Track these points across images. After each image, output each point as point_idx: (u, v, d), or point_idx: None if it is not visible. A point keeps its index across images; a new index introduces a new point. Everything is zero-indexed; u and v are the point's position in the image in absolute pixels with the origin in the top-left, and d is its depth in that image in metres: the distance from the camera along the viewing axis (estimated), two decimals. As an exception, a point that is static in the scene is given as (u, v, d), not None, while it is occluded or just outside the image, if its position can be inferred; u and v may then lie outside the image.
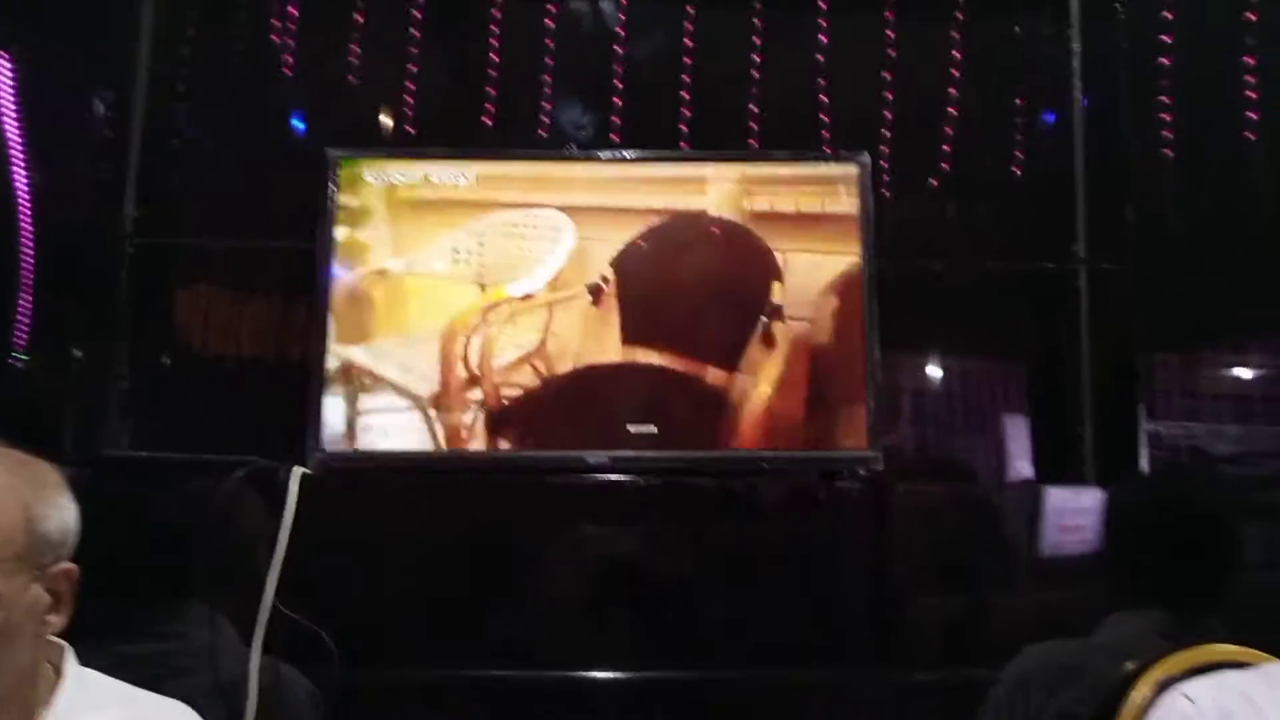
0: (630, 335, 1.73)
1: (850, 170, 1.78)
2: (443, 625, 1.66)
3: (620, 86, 1.90)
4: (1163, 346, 1.84)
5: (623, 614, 1.67)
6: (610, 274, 1.77)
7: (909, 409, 1.76)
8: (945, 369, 1.84)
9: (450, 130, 1.87)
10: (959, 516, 1.77)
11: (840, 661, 1.67)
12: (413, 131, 1.84)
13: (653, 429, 1.70)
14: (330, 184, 1.73)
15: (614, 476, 1.72)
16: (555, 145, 1.88)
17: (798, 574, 1.72)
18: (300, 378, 1.67)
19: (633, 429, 1.69)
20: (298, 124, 1.86)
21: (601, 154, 1.81)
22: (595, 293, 1.74)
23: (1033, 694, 1.57)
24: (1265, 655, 1.35)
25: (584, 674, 1.65)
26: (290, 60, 1.85)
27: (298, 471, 1.60)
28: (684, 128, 1.88)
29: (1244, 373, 1.80)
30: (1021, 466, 1.75)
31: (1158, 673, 1.39)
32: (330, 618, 1.56)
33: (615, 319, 1.75)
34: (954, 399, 1.82)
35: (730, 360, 1.72)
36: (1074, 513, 1.70)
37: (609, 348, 1.73)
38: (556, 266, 1.78)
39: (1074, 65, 1.92)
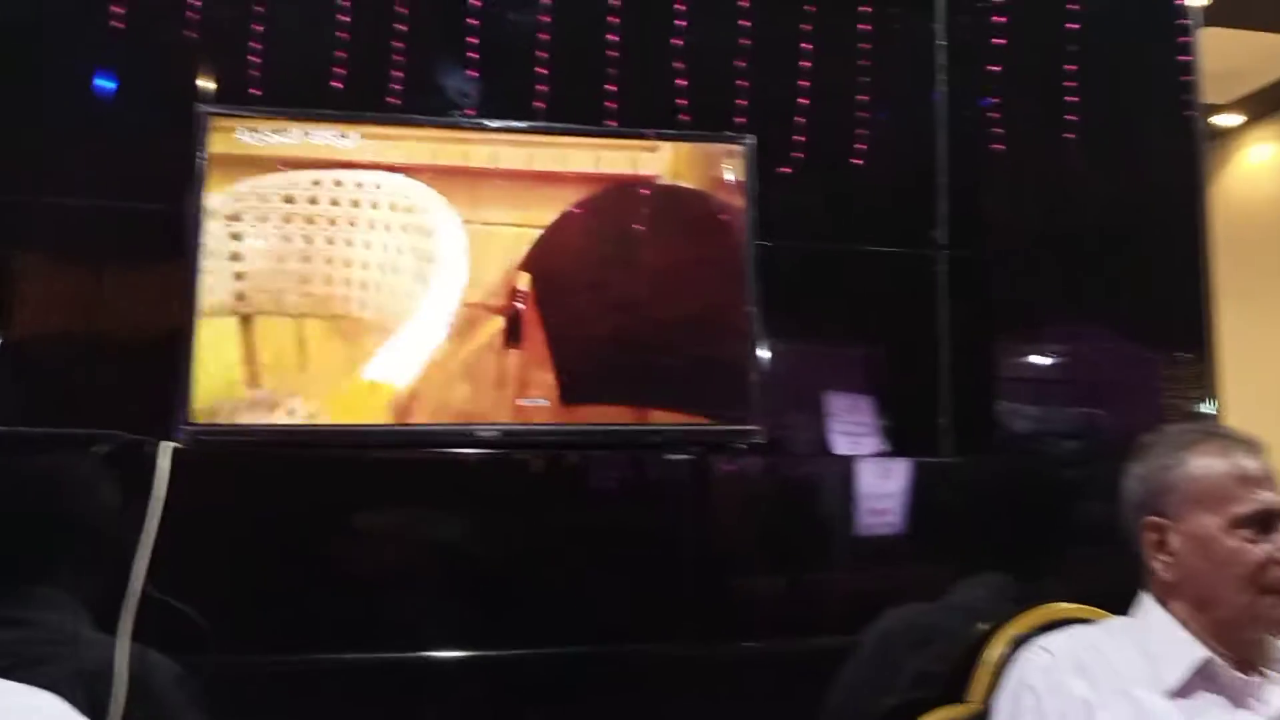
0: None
1: (735, 150, 1.82)
2: (303, 608, 1.61)
3: (544, 57, 1.86)
4: (1033, 344, 1.98)
5: (480, 593, 1.67)
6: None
7: (775, 386, 1.83)
8: (812, 347, 1.91)
9: (309, 89, 1.77)
10: (808, 491, 1.84)
11: (682, 635, 1.72)
12: (258, 93, 1.73)
13: (544, 402, 1.69)
14: (200, 143, 1.63)
15: (502, 451, 1.71)
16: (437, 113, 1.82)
17: (654, 549, 1.75)
18: (171, 348, 1.58)
19: (523, 403, 1.69)
20: (109, 83, 1.73)
21: (492, 123, 1.74)
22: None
23: (894, 653, 1.68)
24: (1102, 612, 1.49)
25: (433, 654, 1.63)
26: (121, 13, 1.73)
27: (166, 447, 1.52)
28: (611, 104, 1.86)
29: (1042, 359, 1.96)
30: (876, 444, 1.84)
31: (1011, 631, 1.52)
32: (195, 601, 1.51)
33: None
34: (815, 377, 1.90)
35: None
36: (908, 487, 1.81)
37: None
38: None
39: (938, 59, 2.01)
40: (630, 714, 1.69)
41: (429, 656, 1.64)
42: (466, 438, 1.69)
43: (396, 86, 1.81)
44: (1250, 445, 1.34)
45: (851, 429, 1.84)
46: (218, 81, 1.77)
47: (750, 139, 1.83)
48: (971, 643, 1.58)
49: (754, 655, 1.73)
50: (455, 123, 1.79)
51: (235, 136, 1.66)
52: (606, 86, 1.87)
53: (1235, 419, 1.69)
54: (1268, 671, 1.29)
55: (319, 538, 1.66)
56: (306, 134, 1.68)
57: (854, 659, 1.70)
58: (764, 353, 1.79)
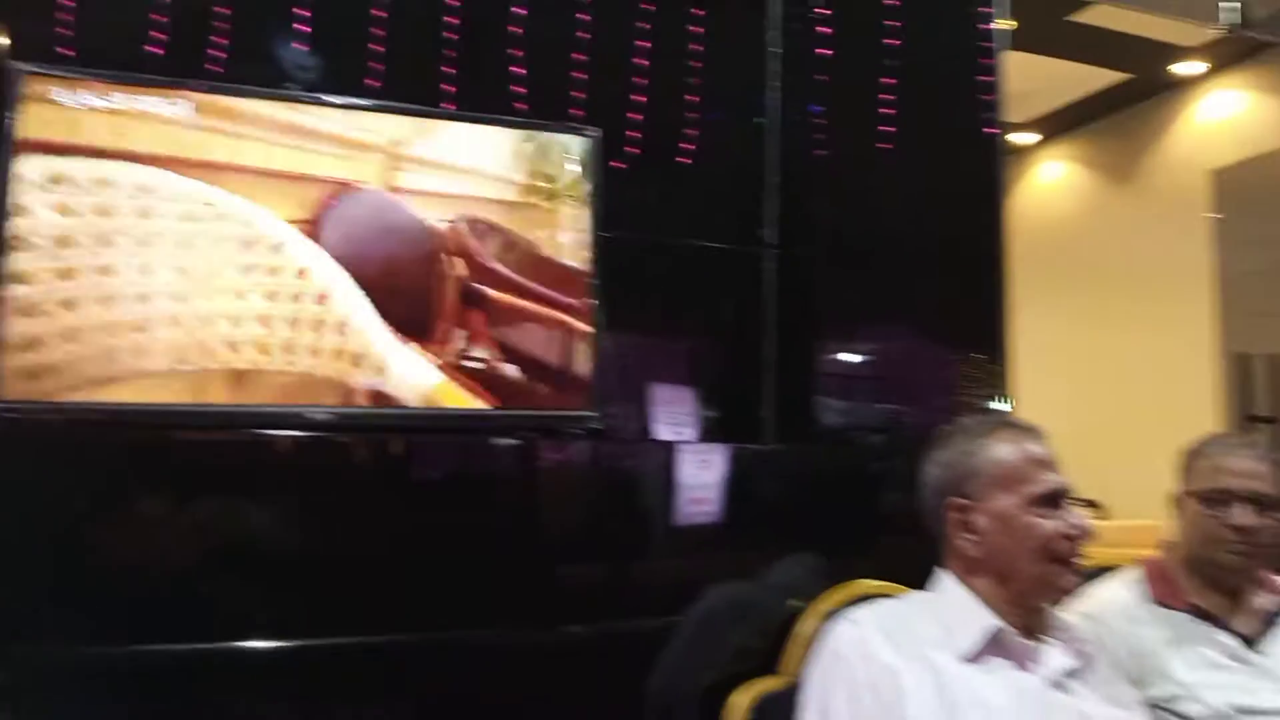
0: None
1: (580, 142, 1.85)
2: (103, 599, 1.54)
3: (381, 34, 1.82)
4: (853, 340, 2.10)
5: (296, 581, 1.63)
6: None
7: (609, 373, 1.87)
8: (645, 337, 1.96)
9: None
10: (634, 477, 1.90)
11: (507, 620, 1.74)
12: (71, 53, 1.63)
13: (378, 384, 1.68)
14: (11, 104, 1.52)
15: (326, 435, 1.68)
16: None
17: (479, 535, 1.76)
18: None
19: (353, 384, 1.66)
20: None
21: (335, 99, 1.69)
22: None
23: (714, 630, 1.76)
24: (903, 588, 1.60)
25: (245, 644, 1.60)
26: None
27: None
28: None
29: (855, 356, 2.09)
30: (702, 432, 1.91)
31: (822, 606, 1.62)
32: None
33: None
34: (648, 366, 1.95)
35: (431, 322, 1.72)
36: (731, 473, 1.90)
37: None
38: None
39: (769, 65, 2.10)
40: (452, 702, 1.70)
41: (240, 647, 1.60)
42: (296, 420, 1.65)
43: (221, 55, 1.74)
44: (1036, 433, 1.49)
45: (679, 417, 1.91)
46: (22, 40, 1.66)
47: (595, 130, 1.87)
48: (787, 619, 1.67)
49: (578, 640, 1.77)
50: (290, 95, 1.74)
51: (52, 98, 1.57)
52: (444, 69, 1.87)
53: (1026, 415, 1.84)
54: (1046, 638, 1.43)
55: (121, 523, 1.59)
56: (130, 99, 1.60)
57: (676, 637, 1.77)
58: (599, 341, 1.84)
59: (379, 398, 1.67)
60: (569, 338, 1.78)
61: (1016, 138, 5.61)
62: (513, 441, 1.76)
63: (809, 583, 1.76)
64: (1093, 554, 1.95)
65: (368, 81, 1.80)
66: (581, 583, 1.82)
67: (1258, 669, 1.71)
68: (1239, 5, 2.64)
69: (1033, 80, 4.96)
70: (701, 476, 1.87)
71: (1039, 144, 5.70)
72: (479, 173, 1.80)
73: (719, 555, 1.88)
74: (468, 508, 1.77)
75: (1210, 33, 3.45)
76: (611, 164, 1.94)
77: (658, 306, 1.96)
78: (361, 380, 1.65)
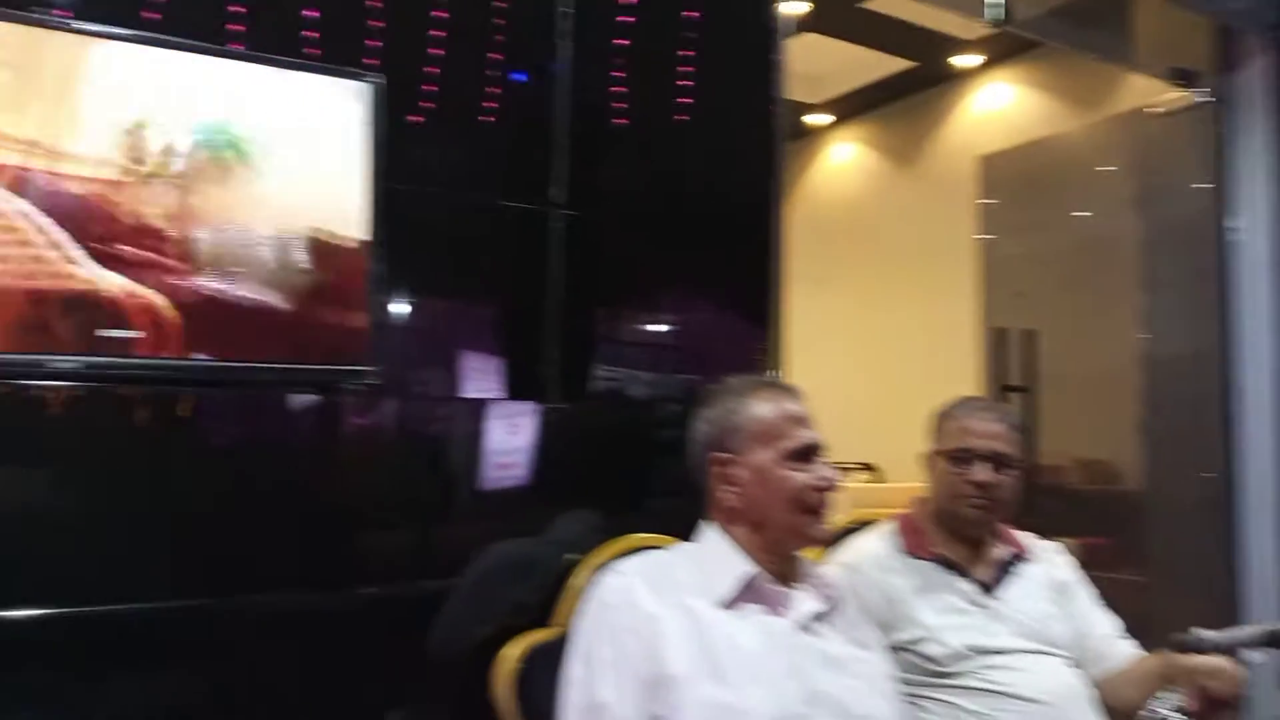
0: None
1: (361, 89, 1.79)
2: None
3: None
4: (635, 302, 2.14)
5: (62, 546, 1.53)
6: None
7: (395, 329, 1.84)
8: (435, 294, 1.93)
9: None
10: (419, 435, 1.89)
11: (294, 584, 1.71)
12: None
13: (137, 334, 1.57)
14: None
15: (86, 386, 1.57)
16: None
17: (263, 495, 1.71)
18: None
19: (106, 334, 1.55)
20: None
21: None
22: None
23: (492, 586, 1.78)
24: (674, 539, 1.67)
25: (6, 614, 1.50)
26: None
27: None
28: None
29: (638, 320, 2.15)
30: (489, 389, 1.91)
31: (594, 560, 1.67)
32: None
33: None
34: (435, 321, 1.93)
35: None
36: (517, 431, 1.92)
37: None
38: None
39: (562, 26, 2.10)
40: (240, 668, 1.64)
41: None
42: (36, 369, 1.53)
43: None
44: (794, 392, 1.58)
45: (465, 374, 1.90)
46: None
47: (377, 78, 1.82)
48: (563, 572, 1.71)
49: (372, 601, 1.74)
50: (41, 20, 1.60)
51: None
52: (231, 9, 1.77)
53: (806, 384, 1.90)
54: (798, 585, 1.53)
55: None
56: None
57: (455, 593, 1.77)
58: (385, 295, 1.80)
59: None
60: (344, 290, 1.74)
61: (812, 119, 5.83)
62: (288, 396, 1.71)
63: (587, 538, 1.80)
64: (868, 513, 2.09)
65: (145, 14, 1.69)
66: (359, 545, 1.79)
67: (993, 613, 1.88)
68: (1003, 2, 2.85)
69: (828, 63, 5.17)
70: (488, 433, 1.88)
71: (833, 125, 5.94)
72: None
73: (504, 512, 1.89)
74: (252, 467, 1.70)
75: (985, 28, 3.70)
76: (409, 118, 1.90)
77: (444, 262, 1.94)
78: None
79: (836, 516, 1.57)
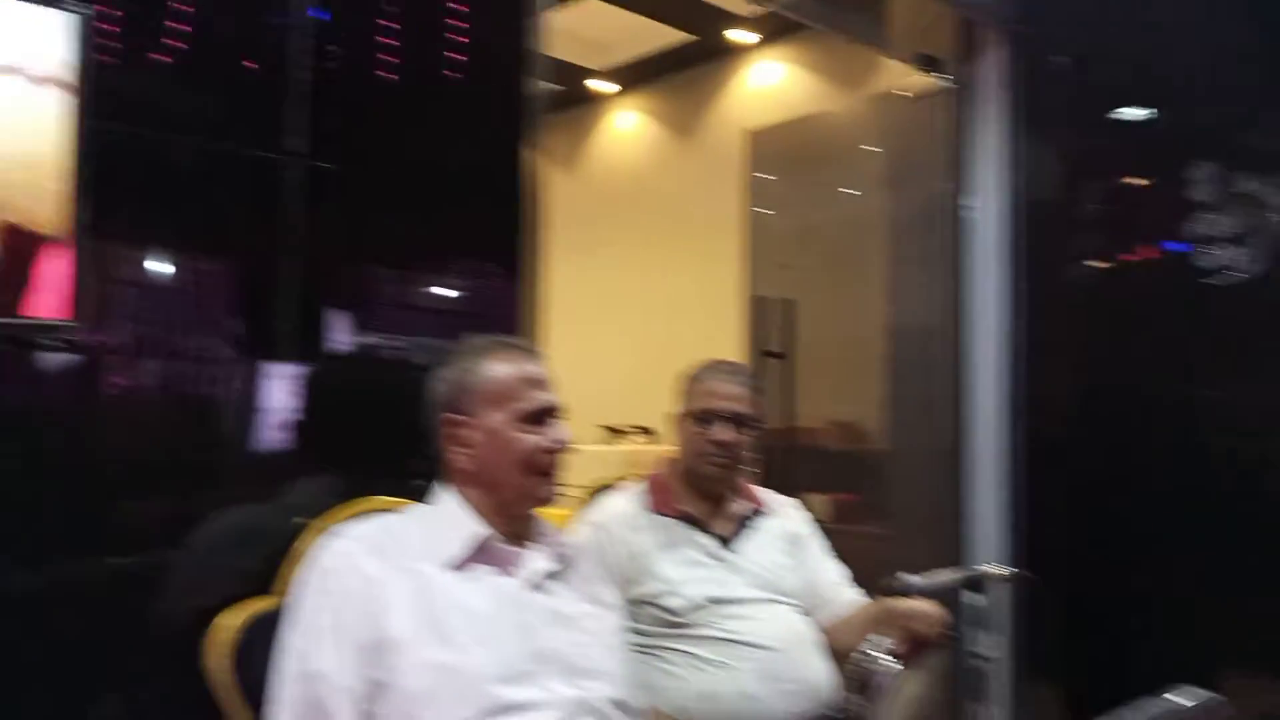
0: None
1: (66, 19, 1.62)
2: None
3: None
4: (380, 259, 2.06)
5: None
6: None
7: (111, 288, 1.70)
8: (149, 248, 1.79)
9: None
10: (142, 395, 1.75)
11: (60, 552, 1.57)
12: None
13: None
14: None
15: None
16: None
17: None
18: None
19: None
20: None
21: None
22: None
23: (216, 554, 1.69)
24: (414, 501, 1.64)
25: None
26: None
27: None
28: None
29: (381, 276, 2.07)
30: (219, 347, 1.80)
31: (323, 524, 1.61)
32: None
33: None
34: (151, 280, 1.79)
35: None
36: (251, 391, 1.82)
37: None
38: None
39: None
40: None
41: None
42: None
43: None
44: (534, 353, 1.57)
45: (189, 329, 1.78)
46: None
47: (84, 8, 1.66)
48: (291, 538, 1.65)
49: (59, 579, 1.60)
50: None
51: None
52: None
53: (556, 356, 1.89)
54: (530, 544, 1.53)
55: None
56: None
57: (179, 563, 1.67)
58: (82, 243, 1.64)
59: None
60: (38, 240, 1.58)
61: (597, 84, 5.85)
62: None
63: (320, 501, 1.74)
64: (639, 474, 2.13)
65: None
66: (49, 515, 1.62)
67: (730, 565, 1.97)
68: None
69: (613, 31, 5.18)
70: (212, 394, 1.77)
71: (619, 94, 5.99)
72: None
73: (240, 475, 1.79)
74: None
75: (758, 7, 3.80)
76: (151, 56, 1.75)
77: (171, 212, 1.79)
78: None
79: (569, 477, 1.58)
